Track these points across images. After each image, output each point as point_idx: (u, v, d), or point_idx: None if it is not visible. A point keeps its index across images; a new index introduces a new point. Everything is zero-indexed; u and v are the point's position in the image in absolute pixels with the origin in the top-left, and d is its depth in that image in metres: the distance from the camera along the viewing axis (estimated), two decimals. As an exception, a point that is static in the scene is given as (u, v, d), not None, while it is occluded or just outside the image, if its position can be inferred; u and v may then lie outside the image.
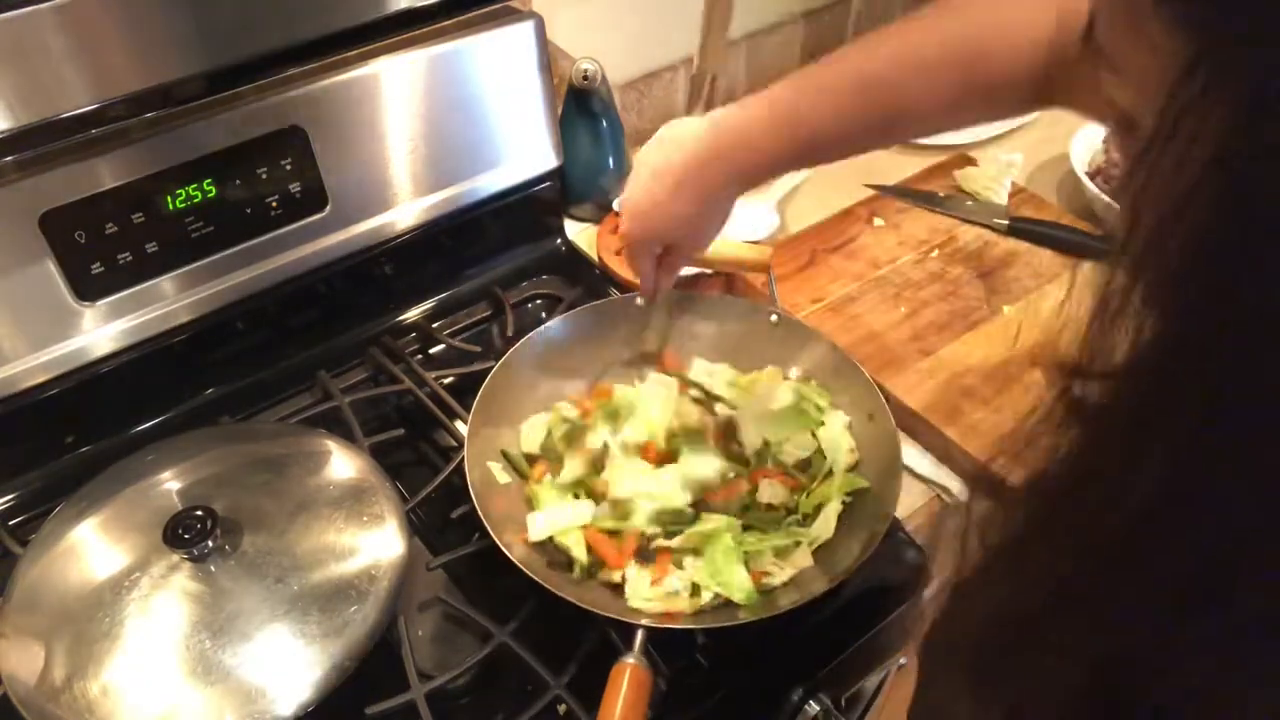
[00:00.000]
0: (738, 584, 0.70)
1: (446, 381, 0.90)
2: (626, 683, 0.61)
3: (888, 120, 0.68)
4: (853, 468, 0.78)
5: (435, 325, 0.99)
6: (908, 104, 0.67)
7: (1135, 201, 0.28)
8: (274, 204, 0.84)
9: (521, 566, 0.67)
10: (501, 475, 0.78)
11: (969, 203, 1.08)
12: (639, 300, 0.86)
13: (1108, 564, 0.31)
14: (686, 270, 0.99)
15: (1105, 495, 0.31)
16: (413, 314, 1.00)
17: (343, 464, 0.73)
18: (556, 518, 0.73)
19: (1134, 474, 0.29)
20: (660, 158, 0.71)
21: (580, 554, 0.72)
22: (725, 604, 0.70)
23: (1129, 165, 0.29)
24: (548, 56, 0.96)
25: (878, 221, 1.07)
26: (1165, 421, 0.28)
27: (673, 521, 0.73)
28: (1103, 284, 0.30)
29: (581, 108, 1.04)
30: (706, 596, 0.70)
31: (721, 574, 0.70)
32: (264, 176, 0.83)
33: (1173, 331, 0.28)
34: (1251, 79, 0.25)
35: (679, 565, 0.72)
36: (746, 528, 0.74)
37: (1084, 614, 0.32)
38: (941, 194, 1.09)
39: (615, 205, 1.09)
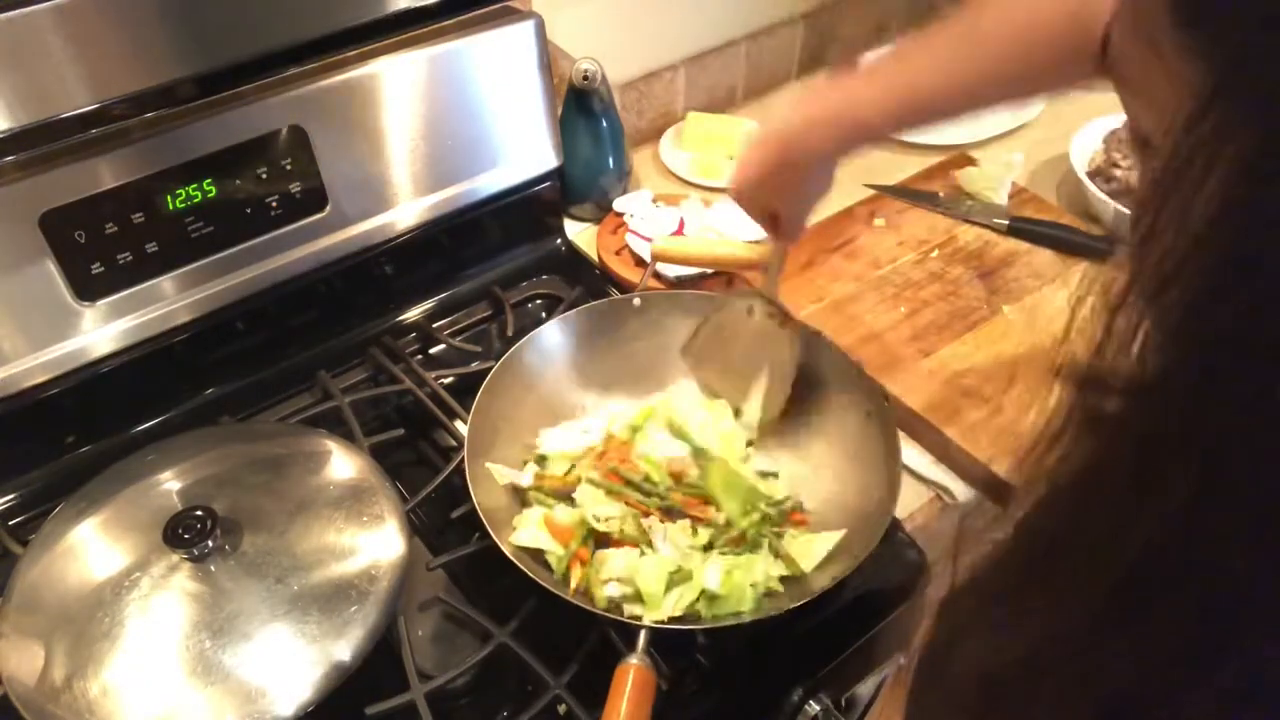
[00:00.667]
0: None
1: (446, 381, 0.90)
2: (631, 683, 0.61)
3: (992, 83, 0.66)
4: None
5: (435, 325, 0.99)
6: (1008, 68, 0.65)
7: (1148, 234, 0.27)
8: (274, 204, 0.84)
9: (522, 567, 0.67)
10: (501, 476, 0.78)
11: (969, 203, 1.08)
12: (635, 302, 0.86)
13: (1113, 601, 0.30)
14: (686, 270, 0.99)
15: (1112, 526, 0.30)
16: (413, 314, 1.00)
17: (343, 464, 0.73)
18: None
19: (1143, 501, 0.29)
20: (762, 129, 0.71)
21: (553, 547, 0.73)
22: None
23: (1145, 192, 0.28)
24: (548, 56, 0.96)
25: (878, 221, 1.07)
26: (1176, 446, 0.28)
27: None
28: (1115, 304, 0.29)
29: (581, 108, 1.04)
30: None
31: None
32: (264, 176, 0.83)
33: (1182, 365, 0.27)
34: (1271, 111, 0.24)
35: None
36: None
37: (1084, 657, 0.31)
38: (941, 194, 1.09)
39: (615, 206, 1.10)
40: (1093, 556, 0.31)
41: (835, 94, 0.68)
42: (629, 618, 0.68)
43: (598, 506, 0.74)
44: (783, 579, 0.72)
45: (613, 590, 0.69)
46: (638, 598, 0.69)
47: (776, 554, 0.73)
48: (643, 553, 0.71)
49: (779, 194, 0.73)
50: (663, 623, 0.67)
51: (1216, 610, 0.28)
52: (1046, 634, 0.32)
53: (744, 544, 0.73)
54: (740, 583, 0.70)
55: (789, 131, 0.69)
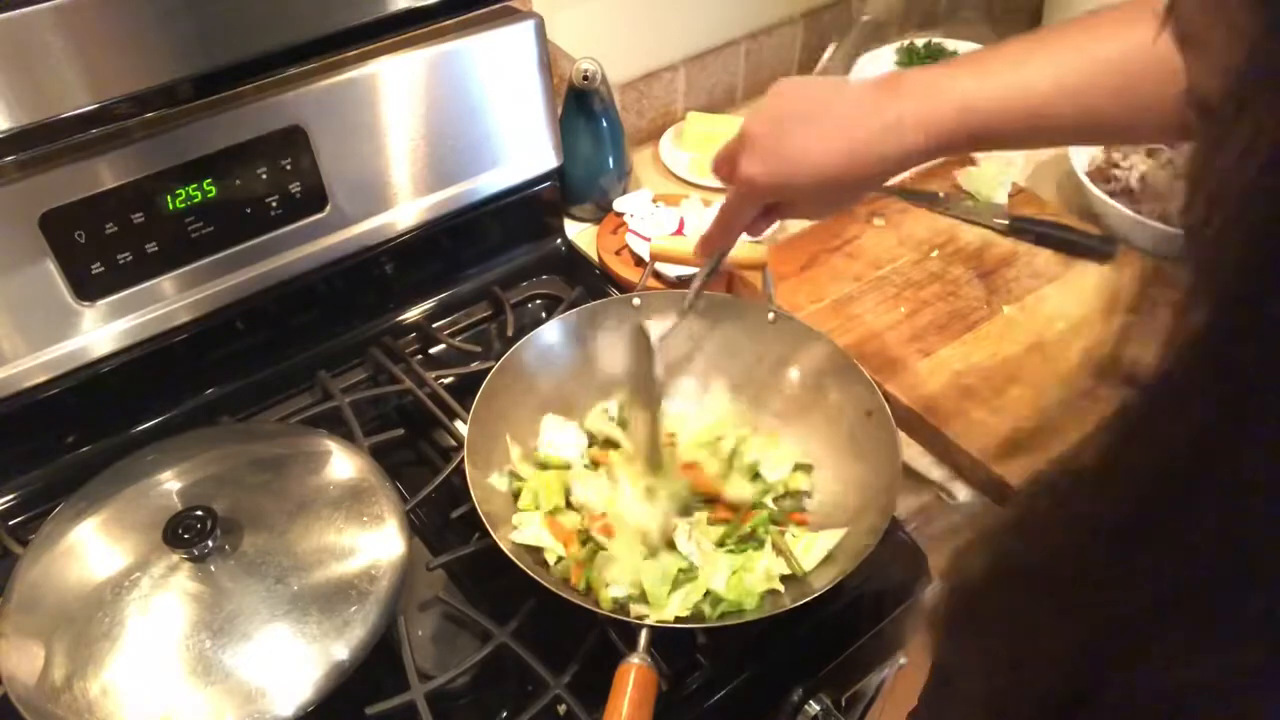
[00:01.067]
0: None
1: (446, 381, 0.90)
2: (632, 683, 0.61)
3: (1113, 112, 0.61)
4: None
5: (435, 325, 0.99)
6: (1133, 101, 0.60)
7: (1204, 188, 0.27)
8: (274, 204, 0.84)
9: (523, 566, 0.67)
10: (500, 477, 0.77)
11: (969, 203, 1.08)
12: (635, 302, 0.86)
13: (1123, 554, 0.30)
14: (685, 270, 0.99)
15: (1138, 486, 0.30)
16: (413, 314, 1.00)
17: (343, 464, 0.73)
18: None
19: (1167, 468, 0.29)
20: (822, 93, 0.62)
21: (550, 544, 0.73)
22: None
23: (1202, 151, 0.28)
24: (548, 56, 0.96)
25: (878, 221, 1.07)
26: (1205, 416, 0.28)
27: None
28: (1141, 278, 0.29)
29: (581, 108, 1.04)
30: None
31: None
32: (264, 176, 0.83)
33: (1225, 322, 0.27)
34: None
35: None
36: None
37: (1095, 599, 0.32)
38: (941, 194, 1.09)
39: (615, 206, 1.10)
40: (1108, 512, 0.31)
41: (940, 85, 0.60)
42: (635, 617, 0.68)
43: (586, 488, 0.75)
44: (783, 578, 0.72)
45: (618, 591, 0.69)
46: (642, 598, 0.69)
47: (778, 551, 0.73)
48: (646, 555, 0.72)
49: (831, 196, 0.66)
50: (664, 622, 0.67)
51: (1220, 565, 0.28)
52: (1058, 581, 0.33)
53: (750, 540, 0.74)
54: (744, 582, 0.70)
55: (865, 145, 0.61)
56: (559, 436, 0.82)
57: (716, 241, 0.71)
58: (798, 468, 0.81)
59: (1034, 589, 0.34)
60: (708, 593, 0.70)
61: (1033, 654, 0.34)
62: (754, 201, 0.67)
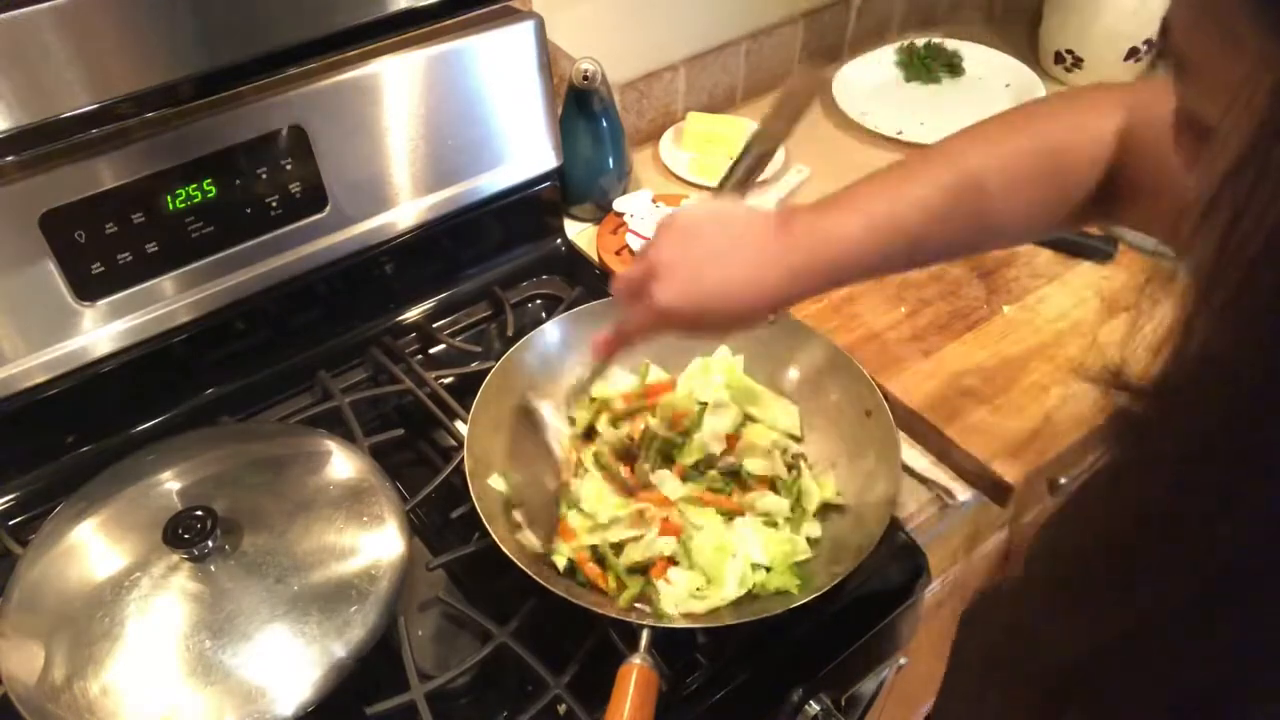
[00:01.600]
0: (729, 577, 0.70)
1: (446, 381, 0.90)
2: (634, 683, 0.61)
3: (975, 230, 0.65)
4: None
5: (435, 325, 0.99)
6: (995, 216, 0.64)
7: (1225, 221, 0.26)
8: (274, 204, 0.84)
9: (523, 566, 0.67)
10: (499, 478, 0.77)
11: (969, 203, 1.08)
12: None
13: (1204, 596, 0.30)
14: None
15: (1206, 524, 0.29)
16: (413, 314, 1.00)
17: (343, 464, 0.73)
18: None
19: (1235, 499, 0.28)
20: (733, 233, 0.64)
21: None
22: (731, 603, 0.70)
23: (1214, 181, 0.27)
24: (548, 56, 0.96)
25: (878, 221, 1.07)
26: (1263, 443, 0.27)
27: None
28: (1145, 289, 0.29)
29: (581, 108, 1.04)
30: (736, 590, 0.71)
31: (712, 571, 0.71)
32: (264, 176, 0.83)
33: (1246, 349, 0.27)
34: None
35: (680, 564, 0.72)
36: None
37: (1169, 649, 0.31)
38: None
39: (615, 206, 1.10)
40: (1185, 553, 0.30)
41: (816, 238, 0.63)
42: (629, 614, 0.67)
43: (602, 507, 0.75)
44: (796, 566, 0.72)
45: (680, 585, 0.70)
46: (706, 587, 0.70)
47: (795, 494, 0.76)
48: (676, 561, 0.72)
49: (728, 326, 0.69)
50: (664, 622, 0.67)
51: None
52: (1131, 625, 0.32)
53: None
54: (779, 552, 0.72)
55: (750, 296, 0.64)
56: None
57: (613, 349, 0.72)
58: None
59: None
60: (754, 566, 0.71)
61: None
62: (668, 328, 0.68)
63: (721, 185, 0.70)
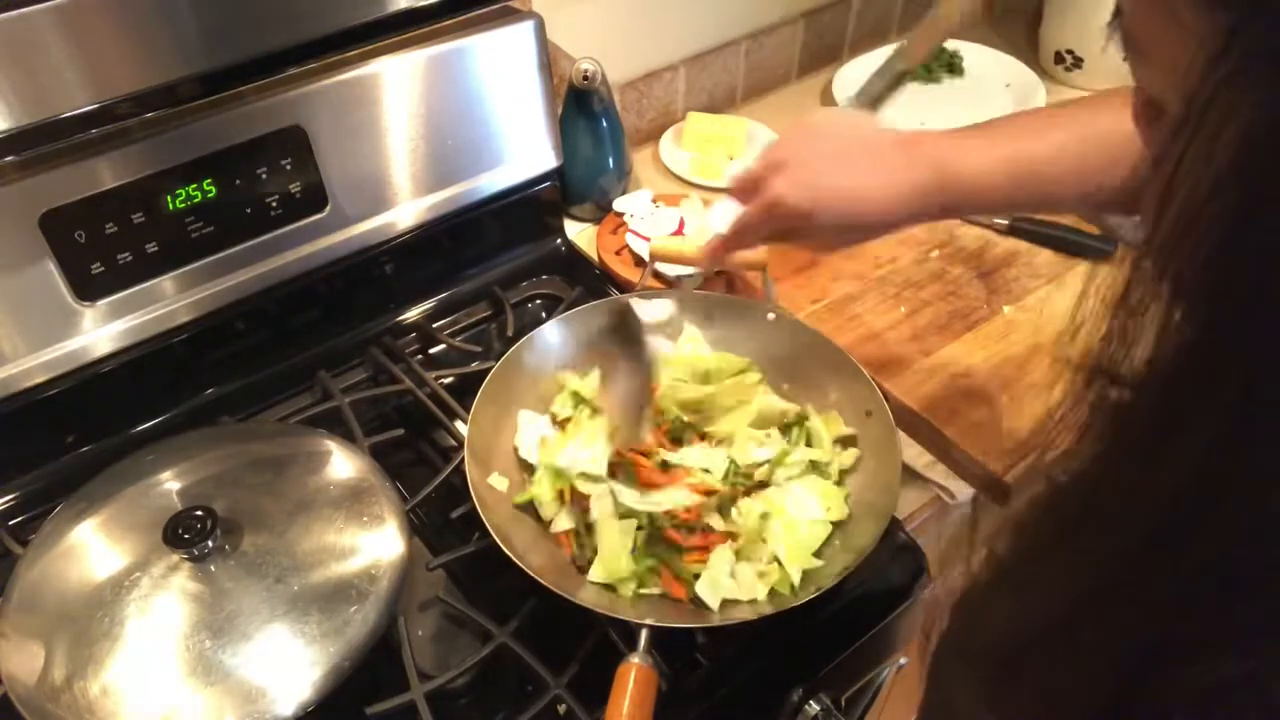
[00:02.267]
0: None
1: (446, 381, 0.90)
2: (633, 682, 0.61)
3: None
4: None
5: (435, 325, 0.99)
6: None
7: (1164, 188, 0.28)
8: (274, 204, 0.84)
9: (523, 566, 0.67)
10: (500, 478, 0.77)
11: (969, 203, 1.08)
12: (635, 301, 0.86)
13: (1134, 560, 0.31)
14: (686, 270, 0.99)
15: (1133, 490, 0.31)
16: (413, 314, 1.00)
17: (343, 464, 0.73)
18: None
19: (1161, 469, 0.29)
20: (859, 134, 0.65)
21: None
22: (731, 602, 0.70)
23: (1157, 152, 0.29)
24: (548, 56, 0.96)
25: (878, 221, 1.07)
26: (1195, 415, 0.28)
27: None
28: (1126, 278, 0.30)
29: (581, 108, 1.04)
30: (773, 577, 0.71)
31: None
32: (264, 176, 0.83)
33: (1202, 323, 0.28)
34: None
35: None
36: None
37: (1115, 611, 0.32)
38: (941, 194, 1.09)
39: (615, 206, 1.10)
40: (1114, 520, 0.32)
41: (935, 154, 0.64)
42: (629, 614, 0.67)
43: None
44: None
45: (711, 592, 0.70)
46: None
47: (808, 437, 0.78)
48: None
49: (847, 233, 0.69)
50: (664, 621, 0.67)
51: (1234, 562, 0.29)
52: (1070, 595, 0.33)
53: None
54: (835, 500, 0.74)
55: (869, 208, 0.65)
56: (530, 433, 0.81)
57: (726, 250, 0.72)
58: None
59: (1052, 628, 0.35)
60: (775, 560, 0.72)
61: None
62: (778, 221, 0.68)
63: (857, 99, 0.70)
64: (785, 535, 0.72)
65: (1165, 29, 0.29)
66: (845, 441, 0.80)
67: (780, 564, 0.71)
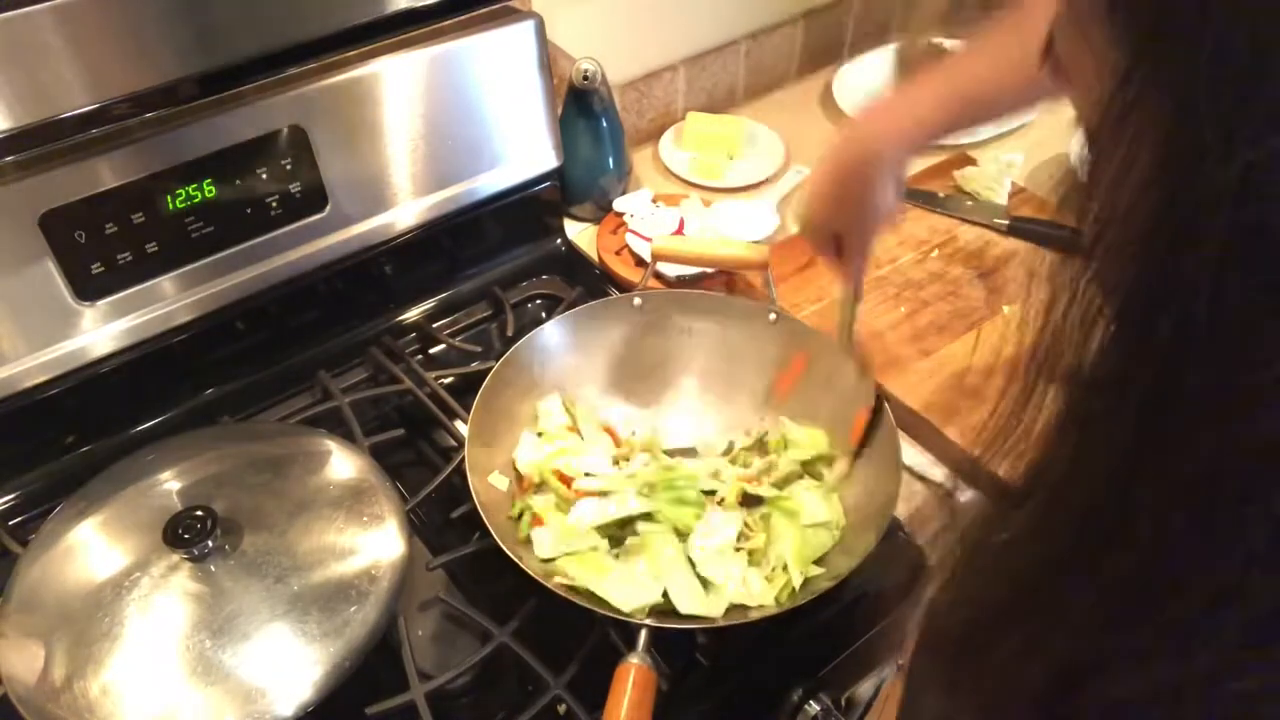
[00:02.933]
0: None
1: (446, 381, 0.90)
2: (632, 682, 0.61)
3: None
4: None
5: (435, 325, 0.99)
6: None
7: (1086, 205, 0.30)
8: (274, 204, 0.84)
9: (523, 566, 0.67)
10: (500, 477, 0.77)
11: (969, 203, 1.08)
12: (635, 301, 0.86)
13: (1060, 565, 0.32)
14: (687, 270, 0.99)
15: (1053, 495, 0.32)
16: (413, 314, 1.00)
17: (343, 464, 0.73)
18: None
19: (1081, 474, 0.31)
20: (829, 150, 0.74)
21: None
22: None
23: (1084, 170, 0.30)
24: (548, 56, 0.96)
25: (878, 221, 1.07)
26: (1110, 421, 0.30)
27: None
28: (1062, 286, 0.31)
29: (581, 108, 1.04)
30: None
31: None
32: (264, 176, 0.83)
33: (1120, 335, 0.29)
34: (1177, 92, 0.26)
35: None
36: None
37: (1040, 616, 0.34)
38: (941, 194, 1.09)
39: (615, 206, 1.10)
40: (1038, 525, 0.34)
41: (898, 99, 0.72)
42: (637, 618, 0.67)
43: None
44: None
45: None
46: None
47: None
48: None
49: (847, 209, 0.74)
50: (663, 621, 0.67)
51: (1147, 576, 0.30)
52: (993, 608, 0.36)
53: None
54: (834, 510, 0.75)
55: (858, 140, 0.72)
56: (528, 452, 0.80)
57: (842, 277, 0.80)
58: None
59: (996, 622, 0.36)
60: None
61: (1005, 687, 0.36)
62: (816, 238, 0.77)
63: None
64: (794, 538, 0.72)
65: (1084, 54, 0.31)
66: (826, 460, 0.80)
67: (785, 568, 0.71)
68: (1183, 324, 0.27)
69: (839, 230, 0.76)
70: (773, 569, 0.72)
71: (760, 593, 0.70)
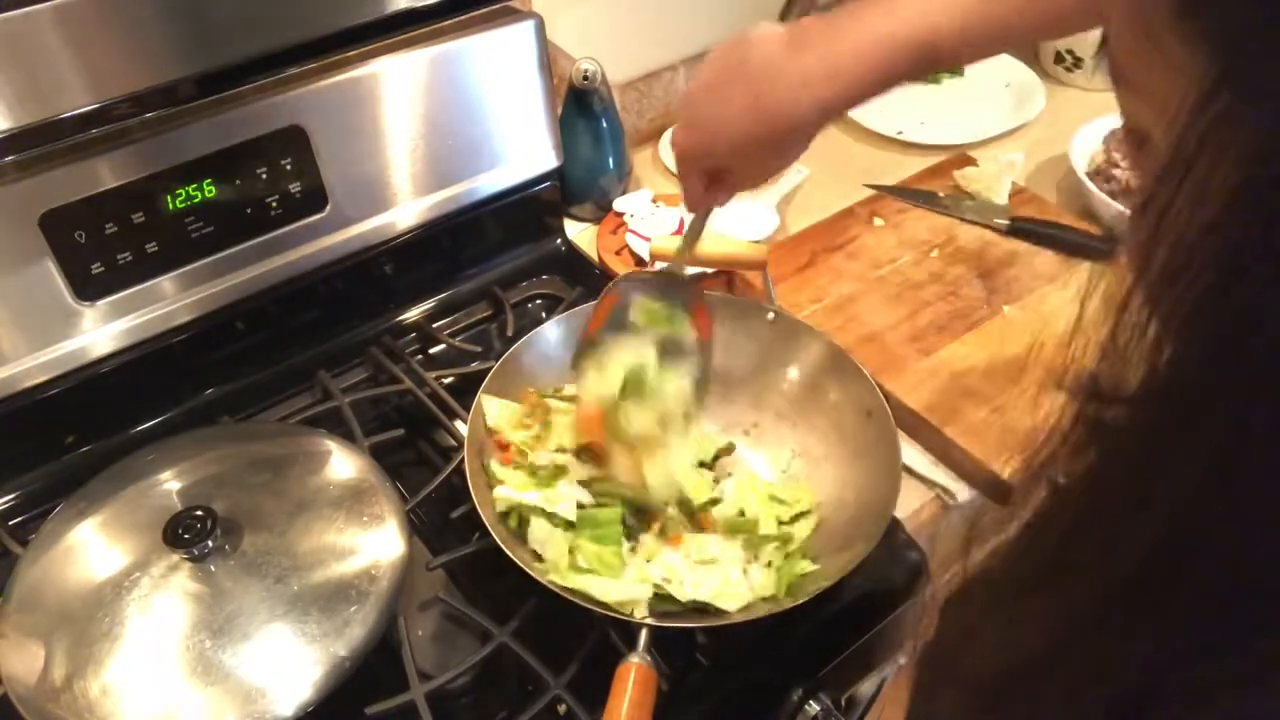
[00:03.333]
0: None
1: (446, 381, 0.90)
2: (632, 682, 0.61)
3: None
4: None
5: (435, 325, 0.99)
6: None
7: (1155, 226, 0.27)
8: (274, 204, 0.84)
9: (523, 566, 0.67)
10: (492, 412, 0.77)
11: (969, 203, 1.08)
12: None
13: (1122, 599, 0.30)
14: (686, 270, 0.99)
15: (1119, 526, 0.30)
16: (413, 314, 1.00)
17: (343, 464, 0.73)
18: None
19: (1149, 503, 0.28)
20: (736, 58, 0.62)
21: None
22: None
23: (1148, 187, 0.28)
24: (548, 56, 0.96)
25: (878, 221, 1.07)
26: (1184, 447, 0.28)
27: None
28: (1118, 307, 0.29)
29: (581, 108, 1.04)
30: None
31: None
32: (264, 176, 0.83)
33: (1193, 358, 0.27)
34: (1277, 94, 0.24)
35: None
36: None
37: (1096, 653, 0.32)
38: (941, 194, 1.09)
39: (615, 206, 1.10)
40: (1102, 555, 0.31)
41: (838, 38, 0.61)
42: (636, 617, 0.67)
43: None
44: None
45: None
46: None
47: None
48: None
49: (749, 156, 0.66)
50: (664, 621, 0.67)
51: (1229, 602, 0.28)
52: (1058, 631, 0.33)
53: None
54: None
55: (784, 87, 0.61)
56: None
57: (692, 202, 0.73)
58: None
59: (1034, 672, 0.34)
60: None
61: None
62: (690, 169, 0.68)
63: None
64: (751, 490, 0.75)
65: (1151, 64, 0.28)
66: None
67: (785, 561, 0.72)
68: (1266, 352, 0.25)
69: (722, 167, 0.67)
70: (768, 562, 0.72)
71: (765, 584, 0.71)
